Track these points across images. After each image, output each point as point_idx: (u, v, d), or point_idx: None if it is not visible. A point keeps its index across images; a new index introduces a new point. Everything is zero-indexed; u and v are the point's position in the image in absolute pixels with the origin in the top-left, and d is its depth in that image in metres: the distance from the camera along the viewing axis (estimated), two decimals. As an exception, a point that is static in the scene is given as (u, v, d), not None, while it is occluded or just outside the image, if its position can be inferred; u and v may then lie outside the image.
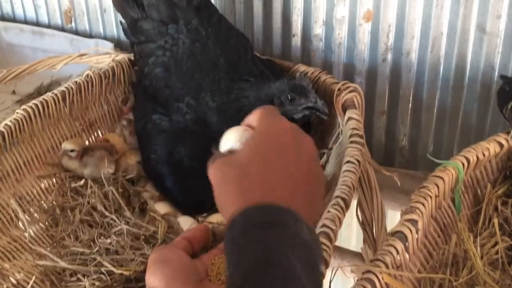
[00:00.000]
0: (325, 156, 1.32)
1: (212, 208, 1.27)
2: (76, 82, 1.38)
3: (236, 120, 1.22)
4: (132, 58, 1.49)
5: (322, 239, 0.87)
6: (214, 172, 0.78)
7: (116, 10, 1.55)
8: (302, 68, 1.41)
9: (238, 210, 0.71)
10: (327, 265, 0.84)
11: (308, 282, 0.65)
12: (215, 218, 1.21)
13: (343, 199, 0.95)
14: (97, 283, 1.06)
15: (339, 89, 1.26)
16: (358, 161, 1.04)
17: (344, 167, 1.03)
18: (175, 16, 1.38)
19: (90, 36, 1.91)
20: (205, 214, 1.26)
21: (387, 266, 0.82)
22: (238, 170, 0.75)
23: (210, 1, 1.47)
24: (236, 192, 0.75)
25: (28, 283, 1.09)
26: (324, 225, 0.89)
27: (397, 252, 0.85)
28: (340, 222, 0.92)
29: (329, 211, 0.92)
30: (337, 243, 0.92)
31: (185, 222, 1.19)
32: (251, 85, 1.26)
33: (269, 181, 0.76)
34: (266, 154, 0.77)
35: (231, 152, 0.82)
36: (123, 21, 1.47)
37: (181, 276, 0.86)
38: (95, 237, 1.16)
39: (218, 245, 0.96)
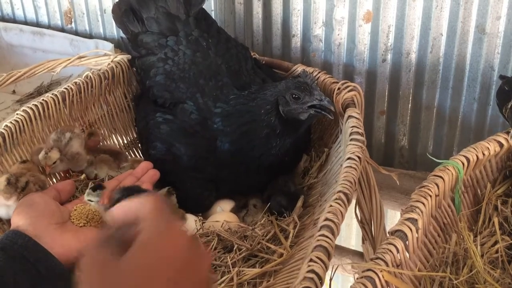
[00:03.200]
0: (324, 155, 1.33)
1: (210, 208, 1.28)
2: (75, 83, 1.38)
3: (239, 122, 1.24)
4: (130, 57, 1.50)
5: (325, 232, 0.87)
6: (91, 267, 0.62)
7: (117, 26, 1.56)
8: (300, 68, 1.41)
9: None
10: (330, 258, 0.84)
11: None
12: (217, 218, 1.21)
13: (345, 194, 0.95)
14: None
15: (338, 89, 1.26)
16: (358, 157, 1.04)
17: (345, 164, 1.03)
18: (175, 28, 1.39)
19: (90, 36, 1.92)
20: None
21: (387, 265, 0.82)
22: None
23: (208, 13, 1.48)
24: None
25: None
26: (326, 219, 0.90)
27: (397, 251, 0.85)
28: (342, 216, 0.92)
29: (331, 206, 0.92)
30: (337, 242, 0.92)
31: (187, 220, 1.19)
32: (255, 89, 1.28)
33: None
34: (149, 278, 0.61)
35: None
36: (124, 36, 1.49)
37: (45, 217, 1.00)
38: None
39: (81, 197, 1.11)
